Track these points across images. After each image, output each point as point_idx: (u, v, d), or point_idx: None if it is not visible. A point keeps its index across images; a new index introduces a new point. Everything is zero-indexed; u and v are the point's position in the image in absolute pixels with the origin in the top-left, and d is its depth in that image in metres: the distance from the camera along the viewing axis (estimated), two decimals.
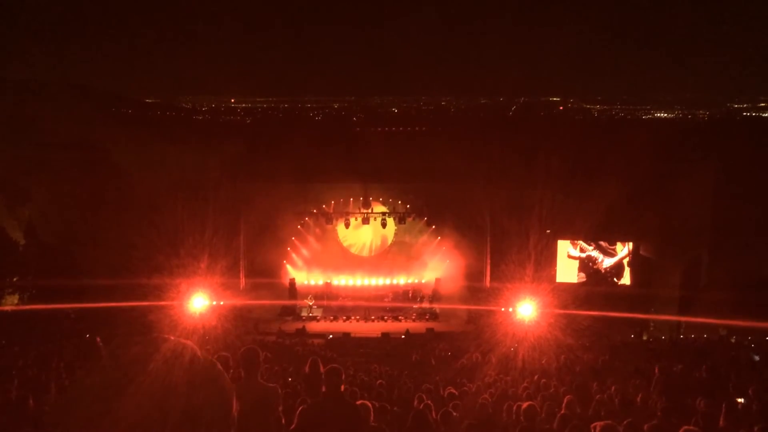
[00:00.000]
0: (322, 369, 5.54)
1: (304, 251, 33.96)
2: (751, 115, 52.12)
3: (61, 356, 15.80)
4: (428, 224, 32.81)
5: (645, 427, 5.92)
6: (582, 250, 29.94)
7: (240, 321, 25.75)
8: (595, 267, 29.82)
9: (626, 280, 29.53)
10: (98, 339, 6.11)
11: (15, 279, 27.82)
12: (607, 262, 29.75)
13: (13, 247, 28.83)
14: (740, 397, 9.00)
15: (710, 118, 50.55)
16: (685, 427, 5.34)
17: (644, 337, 25.54)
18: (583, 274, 29.96)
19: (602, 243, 29.77)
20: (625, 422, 5.79)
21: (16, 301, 27.57)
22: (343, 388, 5.57)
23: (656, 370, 10.00)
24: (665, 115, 53.11)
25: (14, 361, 14.24)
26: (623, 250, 29.60)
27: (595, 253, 29.84)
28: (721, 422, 6.94)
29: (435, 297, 30.94)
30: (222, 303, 23.82)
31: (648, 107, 55.40)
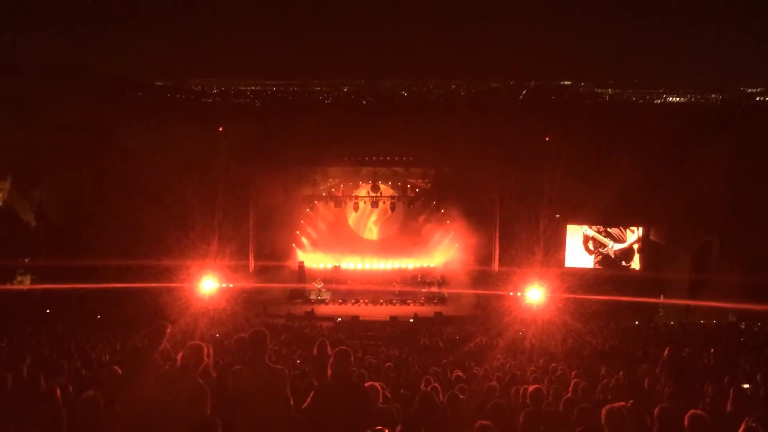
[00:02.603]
0: (329, 351, 5.56)
1: (313, 235, 34.07)
2: (764, 99, 51.54)
3: (73, 336, 15.98)
4: (437, 208, 32.79)
5: (654, 410, 5.93)
6: (591, 236, 29.90)
7: (249, 304, 25.90)
8: (604, 252, 29.80)
9: (636, 264, 29.49)
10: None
11: (27, 260, 28.05)
12: (616, 248, 29.71)
13: (24, 228, 29.05)
14: (748, 383, 8.99)
15: (723, 102, 50.06)
16: (692, 410, 5.35)
17: (653, 322, 25.53)
18: (592, 259, 29.94)
19: (611, 229, 29.72)
20: (628, 404, 5.80)
21: (28, 282, 27.83)
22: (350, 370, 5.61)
23: (665, 353, 9.99)
24: (678, 99, 52.62)
25: (27, 341, 14.41)
26: (633, 236, 29.55)
27: (604, 239, 29.80)
28: (728, 407, 6.93)
29: (443, 281, 30.96)
30: (231, 286, 23.94)
31: (660, 91, 54.83)
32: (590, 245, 29.94)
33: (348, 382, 5.35)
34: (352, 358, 5.49)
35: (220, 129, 29.93)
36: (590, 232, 29.85)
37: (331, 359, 5.39)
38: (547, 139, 29.55)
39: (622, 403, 5.40)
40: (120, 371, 6.20)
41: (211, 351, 6.01)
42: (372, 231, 34.39)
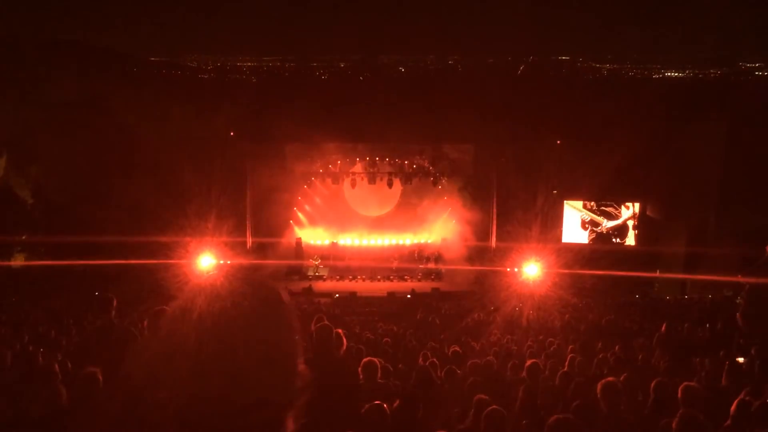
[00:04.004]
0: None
1: (311, 211, 34.03)
2: (763, 74, 51.33)
3: (71, 313, 16.04)
4: (435, 184, 32.71)
5: (650, 385, 5.98)
6: (587, 219, 29.95)
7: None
8: (598, 231, 29.84)
9: (631, 240, 29.56)
10: (114, 299, 6.16)
11: (24, 237, 28.02)
12: (609, 225, 29.74)
13: (21, 205, 28.97)
14: (742, 357, 9.07)
15: (721, 76, 49.86)
16: (686, 383, 5.40)
17: (648, 297, 25.65)
18: (588, 235, 29.99)
19: (605, 208, 29.73)
20: (622, 378, 5.86)
21: (25, 259, 27.83)
22: (345, 345, 5.61)
23: (663, 329, 10.05)
24: (676, 74, 52.41)
25: (24, 318, 14.46)
26: (627, 212, 29.57)
27: (598, 218, 29.82)
28: (723, 381, 7.00)
29: (440, 257, 31.03)
30: (229, 262, 23.96)
31: (658, 66, 54.61)
32: (586, 226, 30.02)
33: (329, 357, 5.35)
34: (336, 333, 5.45)
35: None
36: (586, 215, 29.87)
37: (313, 336, 5.38)
38: (544, 114, 29.48)
39: (617, 378, 5.45)
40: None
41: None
42: (369, 207, 34.34)
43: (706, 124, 28.02)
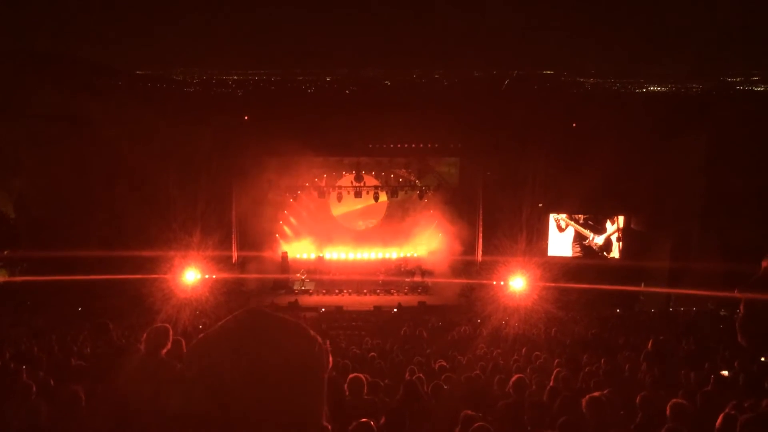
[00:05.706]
0: None
1: (297, 225, 33.96)
2: (744, 88, 51.93)
3: (54, 329, 15.85)
4: (420, 198, 32.78)
5: (636, 399, 5.99)
6: (570, 227, 30.11)
7: (233, 294, 25.82)
8: (585, 244, 30.00)
9: (615, 254, 29.73)
10: (110, 324, 6.14)
11: (6, 252, 27.71)
12: (597, 240, 29.91)
13: (3, 220, 28.68)
14: (725, 370, 9.12)
15: (703, 91, 50.36)
16: (674, 399, 5.41)
17: (633, 310, 25.77)
18: (574, 248, 30.12)
19: (591, 222, 29.93)
20: (605, 392, 5.87)
21: (7, 274, 27.49)
22: (331, 361, 5.59)
23: (649, 345, 10.10)
24: (658, 88, 52.91)
25: (6, 334, 14.27)
26: (612, 227, 29.77)
27: (584, 230, 29.97)
28: (708, 394, 7.02)
29: (427, 270, 31.03)
30: (214, 277, 23.83)
31: (642, 80, 55.12)
32: (572, 239, 30.18)
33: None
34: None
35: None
36: (572, 229, 30.05)
37: None
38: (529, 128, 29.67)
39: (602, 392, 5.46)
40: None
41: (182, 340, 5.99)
42: (355, 221, 34.34)
43: (688, 138, 28.29)
